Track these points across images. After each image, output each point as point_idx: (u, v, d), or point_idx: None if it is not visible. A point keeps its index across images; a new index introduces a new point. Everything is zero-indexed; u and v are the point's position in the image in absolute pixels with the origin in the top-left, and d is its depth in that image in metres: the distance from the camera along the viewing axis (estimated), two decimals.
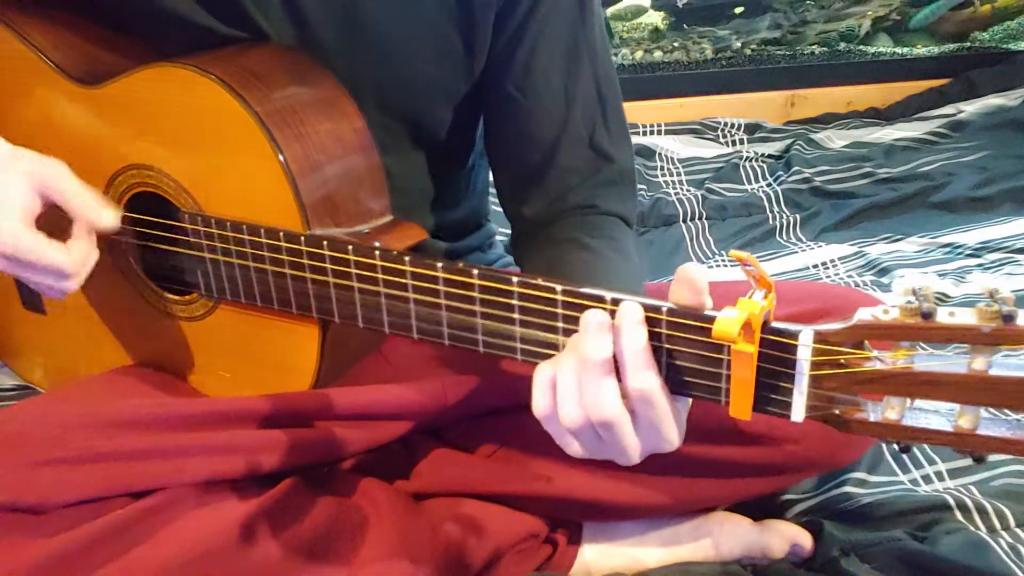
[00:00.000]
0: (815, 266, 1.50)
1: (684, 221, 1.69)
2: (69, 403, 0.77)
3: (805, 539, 0.87)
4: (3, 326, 0.94)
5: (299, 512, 0.73)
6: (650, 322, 0.57)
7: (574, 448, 0.59)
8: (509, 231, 0.91)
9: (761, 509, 0.91)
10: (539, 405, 0.58)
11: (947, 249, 1.53)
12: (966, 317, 0.48)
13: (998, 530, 0.89)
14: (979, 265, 1.46)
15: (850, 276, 1.45)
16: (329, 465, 0.80)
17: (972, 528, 0.89)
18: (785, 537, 0.87)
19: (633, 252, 0.84)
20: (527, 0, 0.79)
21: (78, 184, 0.73)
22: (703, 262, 1.55)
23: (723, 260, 1.55)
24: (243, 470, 0.73)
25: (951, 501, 0.92)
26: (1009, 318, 0.47)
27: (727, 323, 0.52)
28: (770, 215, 1.70)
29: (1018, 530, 0.89)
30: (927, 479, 0.98)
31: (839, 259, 1.51)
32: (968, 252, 1.51)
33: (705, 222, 1.69)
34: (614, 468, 0.62)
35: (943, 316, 0.49)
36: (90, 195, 0.74)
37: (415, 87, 0.82)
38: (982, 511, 0.91)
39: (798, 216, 1.67)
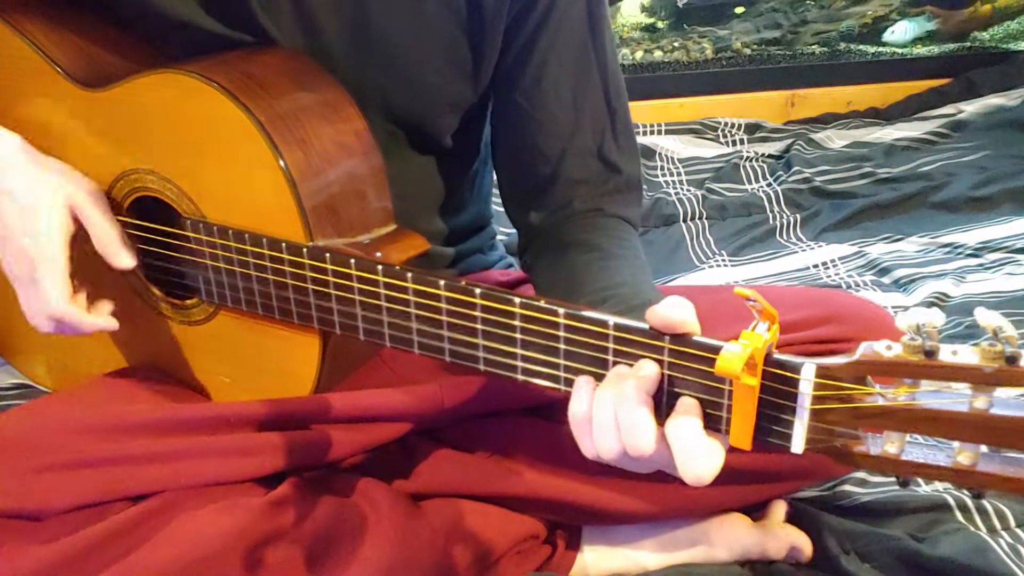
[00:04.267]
0: (815, 266, 1.50)
1: (684, 221, 1.69)
2: (68, 408, 0.77)
3: (804, 543, 0.87)
4: (4, 323, 0.94)
5: (298, 514, 0.73)
6: (652, 350, 0.58)
7: (591, 450, 0.60)
8: (509, 230, 0.91)
9: (760, 508, 0.91)
10: (575, 407, 0.60)
11: (947, 249, 1.53)
12: (969, 356, 0.48)
13: (998, 530, 0.90)
14: (979, 265, 1.46)
15: (850, 276, 1.45)
16: (328, 467, 0.80)
17: (972, 528, 0.89)
18: (784, 540, 0.87)
19: (640, 250, 0.84)
20: (539, 11, 0.79)
21: (104, 214, 0.74)
22: (703, 262, 1.55)
23: (723, 260, 1.55)
24: (242, 473, 0.74)
25: (951, 501, 0.93)
26: (1012, 359, 0.46)
27: (731, 359, 0.52)
28: (770, 215, 1.70)
29: (1018, 530, 0.89)
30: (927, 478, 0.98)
31: (839, 259, 1.52)
32: (968, 252, 1.51)
33: (705, 222, 1.69)
34: (614, 473, 0.63)
35: (946, 355, 0.48)
36: (114, 231, 0.75)
37: (422, 95, 0.82)
38: (982, 511, 0.91)
39: (798, 216, 1.67)
